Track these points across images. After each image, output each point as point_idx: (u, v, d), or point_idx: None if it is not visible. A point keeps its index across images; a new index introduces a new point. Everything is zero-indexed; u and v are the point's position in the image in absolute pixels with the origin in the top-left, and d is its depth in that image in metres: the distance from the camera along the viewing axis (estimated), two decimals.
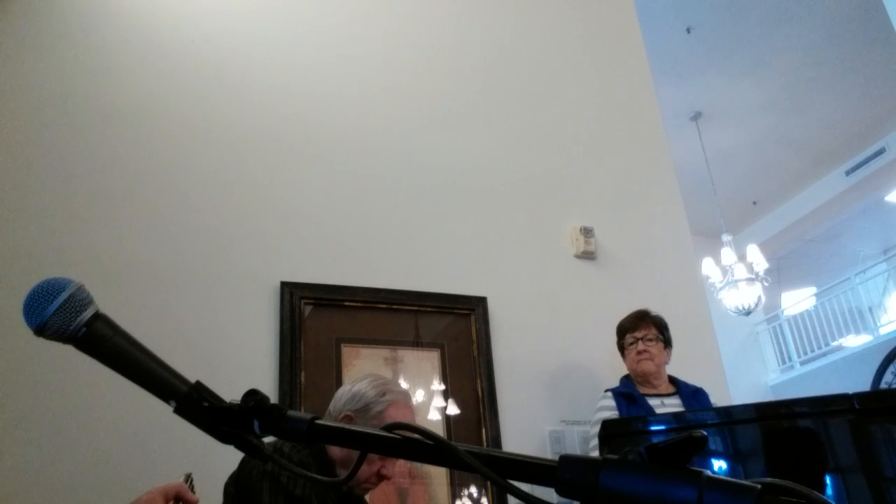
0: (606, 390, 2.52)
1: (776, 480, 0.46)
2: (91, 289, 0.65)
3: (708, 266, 6.75)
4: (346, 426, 0.64)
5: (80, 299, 0.63)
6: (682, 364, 2.60)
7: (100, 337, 0.63)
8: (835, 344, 8.79)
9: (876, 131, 7.60)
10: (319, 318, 2.49)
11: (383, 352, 2.56)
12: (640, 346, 2.51)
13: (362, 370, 2.42)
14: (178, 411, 0.64)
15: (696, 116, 7.15)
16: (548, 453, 2.54)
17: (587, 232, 2.99)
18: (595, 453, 2.37)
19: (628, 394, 2.45)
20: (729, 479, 0.46)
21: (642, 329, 2.53)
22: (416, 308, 2.63)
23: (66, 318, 0.62)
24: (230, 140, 2.64)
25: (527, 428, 2.59)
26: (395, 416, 1.65)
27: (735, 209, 8.49)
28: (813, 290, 9.92)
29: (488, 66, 3.23)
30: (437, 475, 2.44)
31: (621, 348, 2.59)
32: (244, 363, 2.32)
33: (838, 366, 8.24)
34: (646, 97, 3.50)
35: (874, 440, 1.57)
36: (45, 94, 2.46)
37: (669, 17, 5.84)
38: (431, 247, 2.77)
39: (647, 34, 3.74)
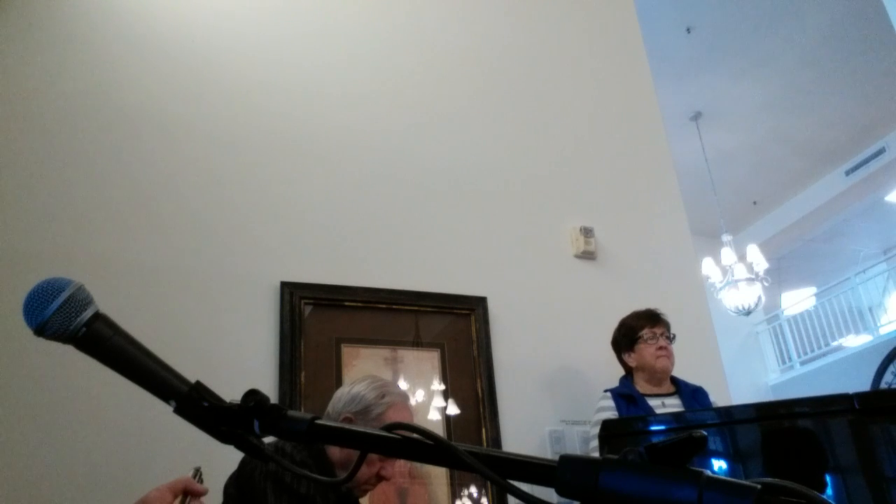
0: (606, 390, 2.51)
1: (776, 480, 0.46)
2: (91, 289, 0.65)
3: (708, 266, 6.75)
4: (346, 426, 0.64)
5: (80, 299, 0.63)
6: (682, 364, 2.60)
7: (100, 337, 0.63)
8: (835, 344, 8.79)
9: (876, 131, 7.61)
10: (319, 318, 2.49)
11: (383, 352, 2.56)
12: (663, 340, 2.48)
13: (362, 370, 2.42)
14: (178, 411, 0.64)
15: (696, 116, 7.15)
16: (548, 453, 2.54)
17: (587, 232, 2.99)
18: (595, 453, 2.37)
19: (628, 395, 2.45)
20: (729, 479, 0.46)
21: (662, 325, 2.51)
22: (416, 308, 2.63)
23: (66, 318, 0.62)
24: (230, 140, 2.64)
25: (527, 428, 2.59)
26: (395, 418, 1.65)
27: (735, 209, 8.49)
28: (813, 290, 9.92)
29: (488, 66, 3.23)
30: (437, 475, 2.44)
31: (631, 343, 2.51)
32: (244, 363, 2.32)
33: (838, 366, 8.24)
34: (646, 97, 3.50)
35: (874, 440, 1.57)
36: (44, 95, 2.46)
37: (669, 17, 5.84)
38: (431, 247, 2.77)
39: (647, 34, 3.74)
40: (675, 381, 2.55)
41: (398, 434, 0.59)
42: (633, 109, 3.45)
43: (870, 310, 8.76)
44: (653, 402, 2.43)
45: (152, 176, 2.49)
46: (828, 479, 1.59)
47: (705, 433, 0.46)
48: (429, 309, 2.64)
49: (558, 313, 2.84)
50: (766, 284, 6.60)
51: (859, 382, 7.34)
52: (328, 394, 1.86)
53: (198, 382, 0.64)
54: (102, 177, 2.42)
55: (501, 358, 2.66)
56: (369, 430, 0.61)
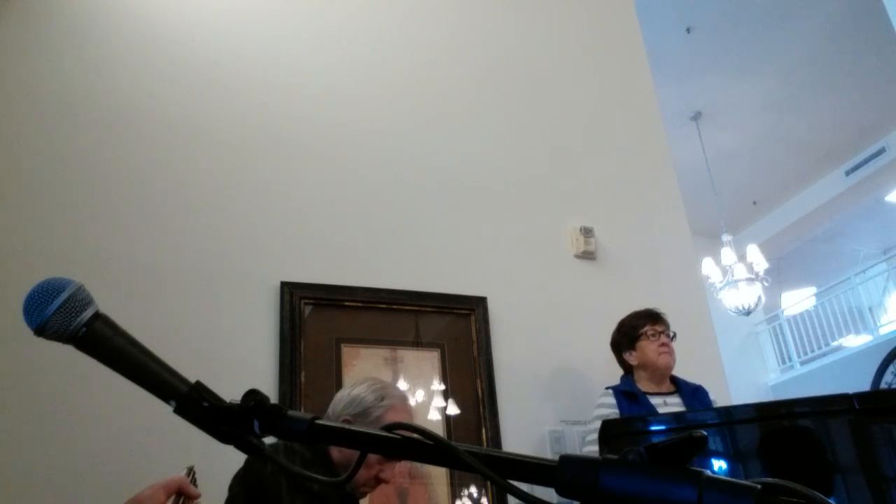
0: (607, 388, 2.52)
1: (776, 480, 0.46)
2: (91, 289, 0.65)
3: (708, 266, 6.75)
4: (346, 426, 0.64)
5: (80, 299, 0.63)
6: (683, 364, 2.60)
7: (100, 337, 0.63)
8: (835, 344, 8.79)
9: (876, 131, 7.60)
10: (319, 318, 2.49)
11: (383, 352, 2.56)
12: (664, 338, 2.49)
13: (362, 370, 2.42)
14: (178, 411, 0.64)
15: (696, 116, 7.15)
16: (548, 453, 2.54)
17: (587, 232, 2.99)
18: (590, 448, 2.38)
19: (630, 392, 2.45)
20: (729, 479, 0.46)
21: (662, 323, 2.53)
22: (416, 308, 2.63)
23: (66, 318, 0.62)
24: (230, 140, 2.64)
25: (527, 428, 2.59)
26: (394, 420, 1.65)
27: (735, 209, 8.49)
28: (813, 290, 9.92)
29: (488, 66, 3.23)
30: (437, 475, 2.44)
31: (633, 341, 2.52)
32: (244, 363, 2.32)
33: (838, 366, 8.24)
34: (646, 97, 3.50)
35: (874, 440, 1.57)
36: (45, 94, 2.46)
37: (669, 17, 5.84)
38: (431, 247, 2.77)
39: (647, 34, 3.74)
40: (675, 380, 2.55)
41: (398, 434, 0.59)
42: (633, 109, 3.45)
43: (870, 310, 8.76)
44: (654, 401, 2.44)
45: (152, 176, 2.49)
46: (827, 478, 1.59)
47: (705, 433, 0.46)
48: (429, 309, 2.64)
49: (558, 313, 2.84)
50: (766, 284, 6.60)
51: (859, 382, 7.34)
52: (328, 394, 1.87)
53: (198, 382, 0.64)
54: (102, 177, 2.42)
55: (501, 358, 2.66)
56: (369, 431, 0.61)
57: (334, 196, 2.71)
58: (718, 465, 1.69)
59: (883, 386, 7.47)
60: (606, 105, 3.41)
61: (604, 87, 3.45)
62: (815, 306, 9.25)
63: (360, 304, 2.55)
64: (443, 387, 2.57)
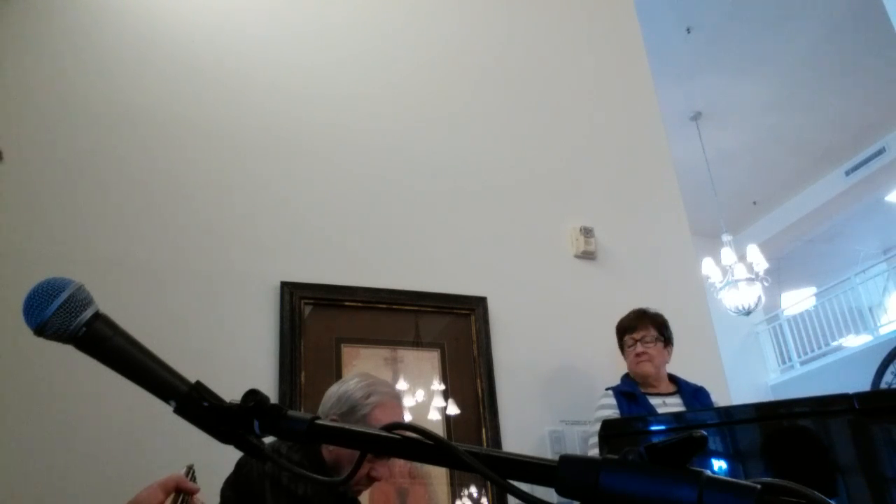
0: (607, 388, 2.52)
1: (776, 480, 0.46)
2: (91, 289, 0.65)
3: (708, 266, 6.75)
4: (347, 426, 0.64)
5: (80, 299, 0.63)
6: (683, 364, 2.60)
7: (100, 337, 0.63)
8: (835, 344, 8.79)
9: (876, 131, 7.60)
10: (319, 318, 2.49)
11: (383, 352, 2.56)
12: (639, 347, 2.50)
13: (362, 370, 2.42)
14: (178, 411, 0.64)
15: (696, 116, 7.14)
16: (548, 453, 2.54)
17: (587, 232, 2.99)
18: (594, 451, 2.38)
19: (629, 392, 2.45)
20: (729, 479, 0.46)
21: (641, 330, 2.52)
22: (416, 308, 2.63)
23: (66, 318, 0.62)
24: (230, 140, 2.64)
25: (527, 428, 2.59)
26: (382, 417, 1.62)
27: (735, 209, 8.49)
28: (813, 290, 9.92)
29: (488, 66, 3.23)
30: (437, 475, 2.44)
31: (622, 348, 2.59)
32: (244, 363, 2.32)
33: (838, 366, 8.24)
34: (646, 97, 3.50)
35: (874, 440, 1.57)
36: (45, 94, 2.46)
37: (669, 17, 5.84)
38: (431, 247, 2.77)
39: (647, 34, 3.74)
40: (676, 380, 2.55)
41: (398, 434, 0.59)
42: (633, 109, 3.45)
43: (870, 310, 8.76)
44: (654, 401, 2.44)
45: (152, 176, 2.49)
46: (828, 479, 1.59)
47: (705, 433, 0.46)
48: (429, 309, 2.64)
49: (558, 313, 2.84)
50: (766, 284, 6.60)
51: (859, 382, 7.34)
52: None
53: (198, 382, 0.64)
54: (102, 177, 2.42)
55: (501, 358, 2.66)
56: (369, 430, 0.61)
57: (334, 196, 2.71)
58: (718, 465, 1.69)
59: (883, 386, 7.47)
60: (606, 105, 3.41)
61: (604, 88, 3.45)
62: (815, 306, 9.24)
63: (360, 304, 2.55)
64: (443, 387, 2.57)
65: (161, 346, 0.68)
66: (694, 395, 2.49)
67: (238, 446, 0.64)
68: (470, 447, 0.55)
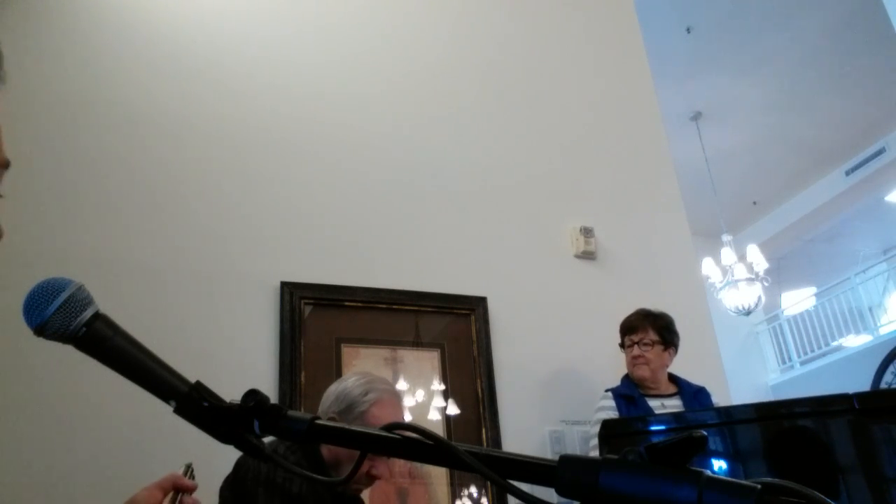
0: (607, 390, 2.52)
1: (776, 480, 0.46)
2: (91, 289, 0.65)
3: (708, 266, 6.75)
4: (347, 427, 0.64)
5: (80, 299, 0.63)
6: (683, 364, 2.60)
7: (100, 337, 0.63)
8: (835, 344, 8.79)
9: (876, 131, 7.60)
10: (319, 318, 2.49)
11: (383, 352, 2.56)
12: (636, 350, 2.49)
13: (362, 369, 2.42)
14: (178, 411, 0.64)
15: (696, 116, 7.14)
16: (548, 453, 2.54)
17: (587, 232, 2.99)
18: (595, 453, 2.37)
19: (628, 395, 2.45)
20: (729, 479, 0.46)
21: (640, 332, 2.51)
22: (416, 308, 2.63)
23: (66, 318, 0.62)
24: (230, 140, 2.64)
25: (527, 428, 2.59)
26: (379, 415, 1.62)
27: (735, 209, 8.48)
28: (813, 290, 9.92)
29: (488, 66, 3.23)
30: (437, 475, 2.44)
31: (622, 346, 2.59)
32: (244, 363, 2.32)
33: (838, 366, 8.24)
34: (646, 97, 3.50)
35: (874, 440, 1.57)
36: (44, 94, 2.46)
37: (669, 17, 5.84)
38: (431, 247, 2.77)
39: (647, 34, 3.74)
40: (677, 381, 2.55)
41: (398, 434, 0.59)
42: (633, 109, 3.45)
43: (870, 310, 8.76)
44: (653, 403, 2.44)
45: (152, 176, 2.49)
46: (828, 478, 1.59)
47: (705, 433, 0.46)
48: (429, 309, 2.64)
49: (558, 313, 2.84)
50: (766, 284, 6.60)
51: (859, 382, 7.33)
52: None
53: (198, 382, 0.64)
54: (102, 177, 2.42)
55: (501, 358, 2.66)
56: (369, 430, 0.61)
57: (334, 196, 2.71)
58: (718, 465, 1.69)
59: (883, 386, 7.47)
60: (606, 105, 3.41)
61: (604, 88, 3.45)
62: (815, 306, 9.24)
63: (360, 304, 2.55)
64: (443, 387, 2.57)
65: (161, 346, 0.68)
66: (694, 396, 2.49)
67: (238, 446, 0.64)
68: (470, 447, 0.55)
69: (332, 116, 2.84)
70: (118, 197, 2.41)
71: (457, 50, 3.21)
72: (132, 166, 2.47)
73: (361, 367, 2.45)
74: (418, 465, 2.39)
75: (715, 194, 7.25)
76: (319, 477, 0.74)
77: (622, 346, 2.58)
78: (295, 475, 1.39)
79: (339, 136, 2.82)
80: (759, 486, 0.45)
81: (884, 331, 8.39)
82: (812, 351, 8.94)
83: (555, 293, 2.88)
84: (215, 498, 1.50)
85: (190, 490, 1.06)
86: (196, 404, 0.63)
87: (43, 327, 0.62)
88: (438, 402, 2.54)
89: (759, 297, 6.59)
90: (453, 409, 2.54)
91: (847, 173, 8.08)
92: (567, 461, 0.51)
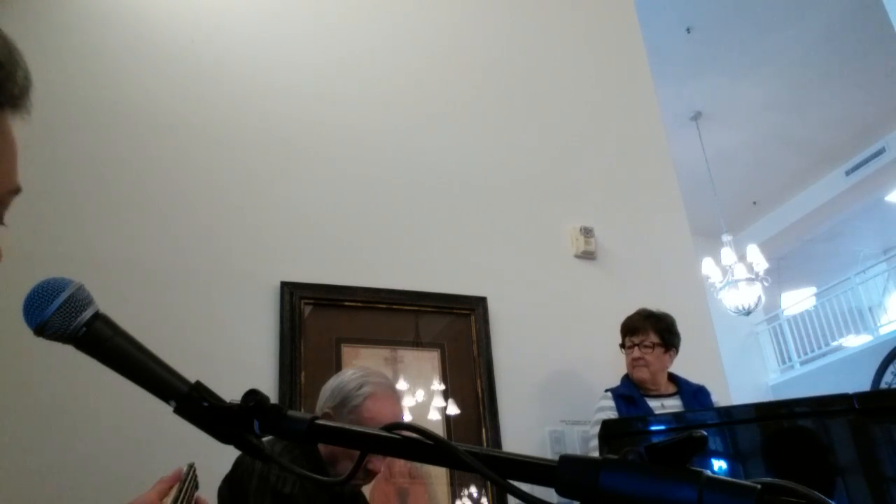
0: (607, 390, 2.52)
1: (776, 480, 0.46)
2: (91, 289, 0.65)
3: (708, 266, 6.75)
4: (346, 426, 0.64)
5: (80, 299, 0.63)
6: (683, 364, 2.60)
7: (100, 337, 0.63)
8: (835, 344, 8.79)
9: (876, 131, 7.60)
10: (319, 318, 2.49)
11: (383, 352, 2.56)
12: (636, 352, 2.49)
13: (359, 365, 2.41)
14: (178, 411, 0.64)
15: (696, 116, 7.14)
16: (548, 453, 2.54)
17: (587, 232, 2.99)
18: (595, 453, 2.37)
19: (628, 395, 2.45)
20: (729, 479, 0.46)
21: (640, 334, 2.51)
22: (416, 308, 2.63)
23: (66, 318, 0.61)
24: (230, 140, 2.64)
25: (527, 428, 2.59)
26: (374, 408, 1.61)
27: (735, 209, 8.48)
28: (813, 290, 9.92)
29: (488, 66, 3.23)
30: (437, 475, 2.44)
31: (622, 347, 2.58)
32: (244, 363, 2.32)
33: (838, 366, 8.24)
34: (646, 97, 3.50)
35: (874, 440, 1.57)
36: (44, 94, 2.45)
37: (669, 17, 5.84)
38: (431, 247, 2.77)
39: (647, 34, 3.74)
40: (677, 380, 2.55)
41: (398, 434, 0.59)
42: (633, 109, 3.45)
43: (870, 310, 8.76)
44: (652, 403, 2.44)
45: (152, 176, 2.49)
46: (828, 478, 1.59)
47: (705, 433, 0.46)
48: (429, 309, 2.64)
49: (558, 313, 2.84)
50: (766, 284, 6.60)
51: (859, 382, 7.34)
52: None
53: (198, 382, 0.64)
54: (102, 177, 2.42)
55: (501, 358, 2.66)
56: (369, 430, 0.61)
57: (334, 196, 2.71)
58: (718, 465, 1.69)
59: (883, 386, 7.47)
60: (606, 105, 3.40)
61: (604, 87, 3.45)
62: (815, 306, 9.24)
63: (360, 304, 2.55)
64: (443, 387, 2.57)
65: (161, 346, 0.68)
66: (694, 395, 2.49)
67: (238, 446, 0.64)
68: (470, 447, 0.55)
69: (333, 116, 2.84)
70: (118, 197, 2.41)
71: (457, 50, 3.21)
72: (132, 166, 2.47)
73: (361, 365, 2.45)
74: (418, 465, 2.39)
75: (715, 194, 7.25)
76: (319, 477, 0.74)
77: (623, 346, 2.57)
78: (295, 475, 1.39)
79: (339, 135, 2.82)
80: (759, 486, 0.45)
81: (884, 331, 8.39)
82: (812, 351, 8.95)
83: (555, 293, 2.88)
84: (215, 498, 1.50)
85: (173, 480, 1.07)
86: (196, 404, 0.63)
87: (43, 327, 0.62)
88: (438, 402, 2.54)
89: (759, 297, 6.59)
90: (453, 409, 2.54)
91: (847, 173, 8.08)
92: (567, 461, 0.51)
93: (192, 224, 2.47)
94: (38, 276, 0.64)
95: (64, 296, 0.62)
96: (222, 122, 2.65)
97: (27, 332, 0.62)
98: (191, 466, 1.12)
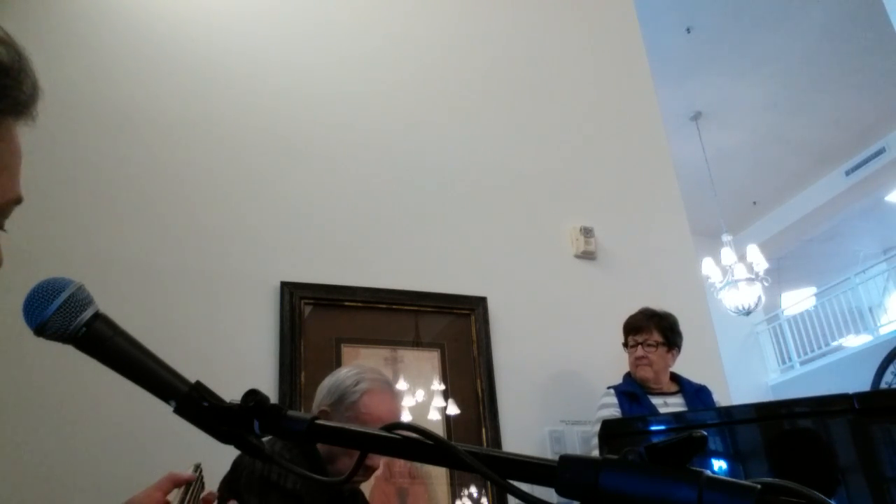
0: (609, 387, 2.52)
1: (776, 480, 0.46)
2: (91, 289, 0.65)
3: (708, 266, 6.75)
4: (346, 426, 0.64)
5: (80, 299, 0.63)
6: (683, 364, 2.60)
7: (100, 337, 0.63)
8: (835, 344, 8.79)
9: (876, 131, 7.60)
10: (319, 318, 2.49)
11: (383, 352, 2.56)
12: (640, 351, 2.49)
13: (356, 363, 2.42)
14: (178, 411, 0.64)
15: (696, 116, 7.14)
16: (548, 453, 2.54)
17: (587, 232, 2.99)
18: (596, 451, 2.37)
19: (631, 392, 2.45)
20: (729, 479, 0.46)
21: (644, 333, 2.51)
22: (416, 308, 2.63)
23: (66, 318, 0.61)
24: (230, 140, 2.64)
25: (527, 428, 2.59)
26: (371, 404, 1.61)
27: (735, 209, 8.49)
28: (813, 290, 9.92)
29: (488, 66, 3.23)
30: (437, 475, 2.44)
31: (625, 345, 2.58)
32: (244, 363, 2.32)
33: (838, 366, 8.24)
34: (646, 97, 3.50)
35: (874, 440, 1.57)
36: (45, 94, 2.45)
37: (669, 17, 5.84)
38: (431, 247, 2.77)
39: (647, 34, 3.74)
40: (679, 380, 2.55)
41: (398, 434, 0.59)
42: (633, 109, 3.45)
43: (870, 310, 8.76)
44: (655, 401, 2.44)
45: (152, 176, 2.49)
46: (828, 478, 1.59)
47: (705, 433, 0.46)
48: (429, 309, 2.64)
49: (558, 313, 2.84)
50: (766, 284, 6.60)
51: (859, 382, 7.34)
52: None
53: (198, 382, 0.64)
54: (102, 177, 2.42)
55: (501, 358, 2.66)
56: (369, 430, 0.61)
57: (334, 196, 2.71)
58: (718, 465, 1.69)
59: (883, 386, 7.47)
60: (606, 105, 3.40)
61: (604, 87, 3.45)
62: (815, 306, 9.24)
63: (360, 304, 2.55)
64: (443, 387, 2.57)
65: (161, 346, 0.68)
66: (696, 394, 2.49)
67: (238, 446, 0.64)
68: (470, 447, 0.55)
69: (332, 116, 2.84)
70: (118, 197, 2.41)
71: (457, 50, 3.21)
72: (132, 166, 2.47)
73: None
74: (418, 465, 2.39)
75: (715, 194, 7.25)
76: (319, 477, 0.74)
77: (625, 345, 2.57)
78: (295, 475, 1.39)
79: (339, 135, 2.81)
80: (759, 486, 0.45)
81: (884, 331, 8.39)
82: (812, 351, 8.95)
83: (555, 293, 2.88)
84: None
85: (185, 482, 1.07)
86: (196, 404, 0.63)
87: (43, 327, 0.62)
88: (438, 402, 2.54)
89: (759, 297, 6.59)
90: (453, 409, 2.54)
91: (847, 173, 8.08)
92: (567, 461, 0.51)
93: (191, 224, 2.47)
94: (38, 277, 0.64)
95: (64, 296, 0.62)
96: (222, 122, 2.65)
97: (27, 333, 0.62)
98: (197, 467, 1.12)
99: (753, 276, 6.58)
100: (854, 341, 8.63)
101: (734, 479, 0.46)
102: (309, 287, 2.49)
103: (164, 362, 0.65)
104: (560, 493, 0.51)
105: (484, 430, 2.52)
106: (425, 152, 2.94)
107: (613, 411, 2.39)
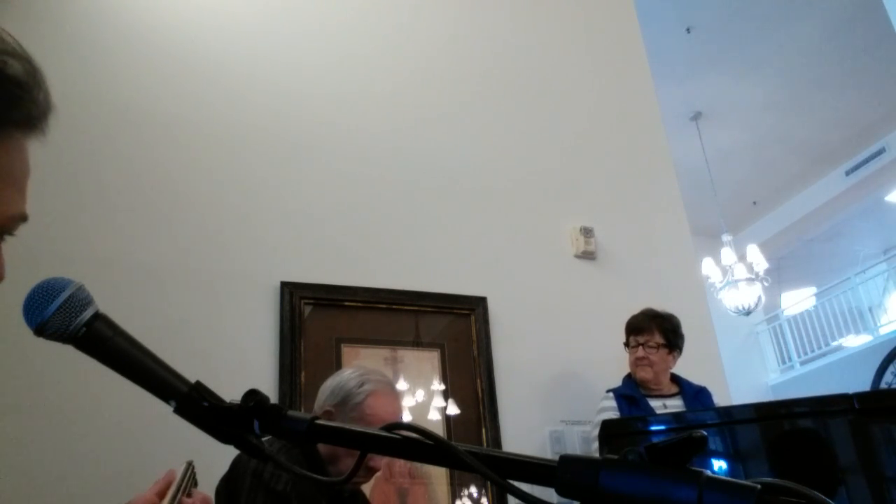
0: (608, 390, 2.52)
1: (776, 480, 0.46)
2: (91, 289, 0.65)
3: (708, 266, 6.75)
4: (346, 426, 0.64)
5: (80, 299, 0.63)
6: (683, 364, 2.60)
7: (100, 337, 0.63)
8: (835, 344, 8.79)
9: (876, 131, 7.60)
10: (319, 318, 2.49)
11: (383, 352, 2.56)
12: (640, 352, 2.49)
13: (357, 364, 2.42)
14: (178, 411, 0.64)
15: (696, 116, 7.14)
16: (548, 453, 2.54)
17: (587, 232, 2.99)
18: (597, 454, 2.37)
19: (630, 396, 2.45)
20: (729, 479, 0.46)
21: (646, 334, 2.51)
22: (416, 308, 2.63)
23: (66, 318, 0.61)
24: (230, 140, 2.64)
25: (527, 428, 2.59)
26: (375, 405, 1.62)
27: (735, 209, 8.48)
28: (813, 290, 9.92)
29: (488, 66, 3.23)
30: (437, 475, 2.44)
31: (626, 345, 2.58)
32: (244, 363, 2.32)
33: (838, 366, 8.24)
34: (646, 97, 3.50)
35: (874, 440, 1.57)
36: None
37: (669, 17, 5.84)
38: (431, 247, 2.77)
39: (647, 34, 3.74)
40: (679, 381, 2.55)
41: (398, 434, 0.59)
42: (633, 109, 3.45)
43: (870, 310, 8.76)
44: (654, 403, 2.44)
45: (152, 176, 2.49)
46: (828, 478, 1.59)
47: (705, 433, 0.46)
48: (429, 309, 2.64)
49: (558, 313, 2.84)
50: (766, 284, 6.60)
51: (859, 382, 7.34)
52: None
53: (198, 382, 0.64)
54: (102, 177, 2.42)
55: (501, 358, 2.66)
56: (369, 430, 0.61)
57: (334, 196, 2.71)
58: (718, 465, 1.69)
59: (883, 386, 7.47)
60: (606, 105, 3.41)
61: (604, 88, 3.45)
62: (815, 306, 9.24)
63: (360, 304, 2.55)
64: (443, 387, 2.57)
65: (161, 346, 0.68)
66: (696, 396, 2.49)
67: (238, 446, 0.64)
68: (470, 447, 0.55)
69: (332, 116, 2.84)
70: (118, 197, 2.41)
71: (456, 50, 3.21)
72: (132, 166, 2.47)
73: None
74: (418, 465, 2.39)
75: (715, 194, 7.25)
76: (319, 477, 0.74)
77: (627, 345, 2.57)
78: (295, 475, 1.39)
79: (339, 135, 2.81)
80: (759, 486, 0.45)
81: (884, 331, 8.39)
82: (812, 351, 8.95)
83: (555, 293, 2.88)
84: (214, 497, 1.50)
85: (173, 480, 1.07)
86: (196, 404, 0.63)
87: (43, 327, 0.62)
88: (438, 402, 2.54)
89: (759, 297, 6.59)
90: (453, 409, 2.54)
91: (847, 173, 8.08)
92: (567, 461, 0.51)
93: (192, 224, 2.47)
94: (38, 276, 0.64)
95: (64, 296, 0.62)
96: (222, 122, 2.65)
97: (27, 333, 0.62)
98: (189, 464, 1.12)
99: (753, 276, 6.58)
100: (854, 341, 8.63)
101: (734, 479, 0.46)
102: (309, 287, 2.49)
103: (164, 362, 0.65)
104: (560, 493, 0.51)
105: (484, 430, 2.52)
106: (425, 152, 2.94)
107: (612, 415, 2.39)
